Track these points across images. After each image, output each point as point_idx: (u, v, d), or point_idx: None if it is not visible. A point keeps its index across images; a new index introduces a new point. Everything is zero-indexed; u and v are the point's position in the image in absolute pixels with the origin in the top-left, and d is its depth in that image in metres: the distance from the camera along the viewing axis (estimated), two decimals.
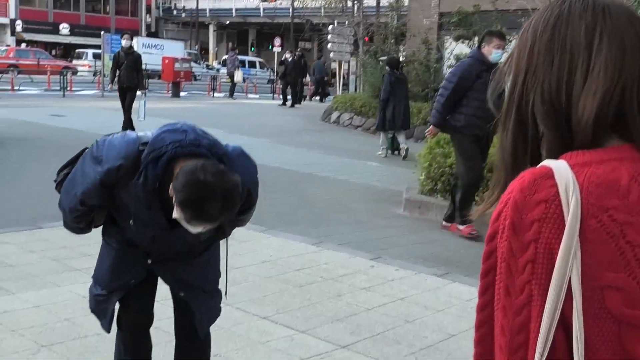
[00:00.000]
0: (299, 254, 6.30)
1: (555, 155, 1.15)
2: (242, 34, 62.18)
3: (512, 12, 16.57)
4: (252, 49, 59.61)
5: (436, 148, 8.94)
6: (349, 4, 26.52)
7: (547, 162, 1.12)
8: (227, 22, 59.34)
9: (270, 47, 48.91)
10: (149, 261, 2.97)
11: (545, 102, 1.15)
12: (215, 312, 3.16)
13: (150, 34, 55.10)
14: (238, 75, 29.79)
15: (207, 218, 2.40)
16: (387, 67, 14.23)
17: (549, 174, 1.09)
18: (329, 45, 25.86)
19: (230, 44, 43.29)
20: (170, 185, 2.45)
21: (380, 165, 12.56)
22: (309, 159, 12.97)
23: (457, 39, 17.76)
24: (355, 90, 26.25)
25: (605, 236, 1.06)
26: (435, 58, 18.97)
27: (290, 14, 45.10)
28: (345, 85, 29.26)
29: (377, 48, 21.61)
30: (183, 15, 59.52)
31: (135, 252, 2.96)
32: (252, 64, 47.17)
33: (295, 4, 36.43)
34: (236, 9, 56.43)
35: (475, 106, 7.22)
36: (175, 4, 61.29)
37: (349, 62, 27.83)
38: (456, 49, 18.06)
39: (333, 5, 27.79)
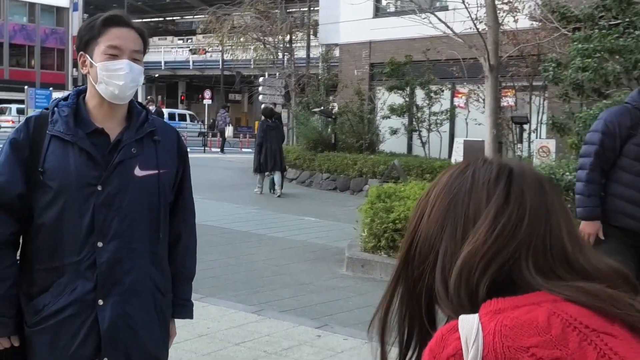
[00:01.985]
0: (239, 325, 5.82)
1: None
2: (172, 87, 61.67)
3: (443, 62, 16.70)
4: (182, 101, 59.19)
5: (377, 202, 8.63)
6: (280, 55, 26.43)
7: (462, 316, 1.07)
8: (157, 75, 58.75)
9: (200, 99, 48.59)
10: (100, 301, 2.31)
11: (443, 278, 1.11)
12: None
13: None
14: (229, 131, 31.34)
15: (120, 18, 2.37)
16: (262, 116, 16.49)
17: (455, 327, 1.04)
18: (260, 97, 25.66)
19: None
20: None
21: (318, 220, 12.18)
22: (244, 215, 12.51)
23: (389, 89, 17.76)
24: (288, 142, 26.01)
25: None
26: (368, 109, 18.90)
27: (220, 66, 44.89)
28: None
29: (309, 99, 21.48)
30: None
31: (74, 296, 2.29)
32: (182, 117, 46.56)
33: (225, 56, 36.22)
34: (165, 62, 55.95)
35: (627, 182, 4.51)
36: None
37: (280, 113, 27.64)
38: (389, 100, 18.07)
39: (264, 57, 27.66)
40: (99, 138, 2.34)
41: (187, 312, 2.65)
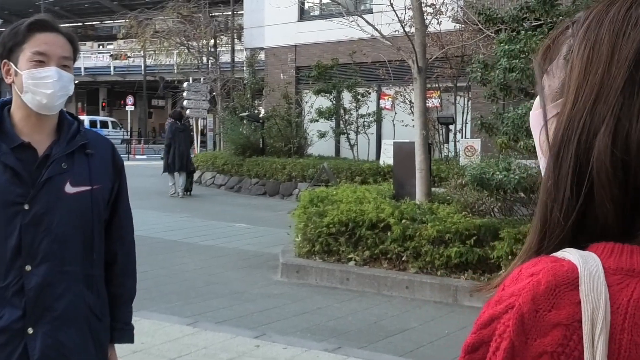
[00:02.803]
0: (174, 339, 5.63)
1: (606, 232, 0.75)
2: (92, 93, 60.19)
3: (369, 64, 16.79)
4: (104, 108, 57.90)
5: (310, 207, 8.56)
6: (204, 60, 26.10)
7: (574, 256, 0.73)
8: (76, 82, 57.35)
9: (122, 105, 47.55)
10: (29, 330, 2.13)
11: (616, 149, 0.72)
12: None
13: None
14: None
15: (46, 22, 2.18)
16: (171, 119, 17.30)
17: (575, 283, 0.70)
18: (185, 102, 25.28)
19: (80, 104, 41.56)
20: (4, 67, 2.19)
21: (249, 226, 12.02)
22: (173, 223, 12.24)
23: (316, 92, 17.73)
24: (215, 147, 25.70)
25: None
26: (296, 112, 18.83)
27: (143, 71, 44.07)
28: (203, 143, 28.71)
29: (236, 104, 21.26)
30: None
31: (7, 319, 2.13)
32: (104, 124, 45.54)
33: (148, 61, 35.55)
34: (85, 68, 54.58)
35: None
36: None
37: (205, 119, 27.32)
38: (316, 103, 18.04)
39: (188, 62, 27.25)
40: (26, 153, 2.16)
41: (127, 336, 2.46)
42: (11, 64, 2.18)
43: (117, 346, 5.26)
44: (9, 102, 2.25)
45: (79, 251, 2.21)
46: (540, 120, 0.83)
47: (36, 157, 2.17)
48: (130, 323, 2.48)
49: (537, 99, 0.86)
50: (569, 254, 0.74)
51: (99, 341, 2.31)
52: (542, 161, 0.84)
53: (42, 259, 2.14)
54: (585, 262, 0.72)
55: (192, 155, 17.54)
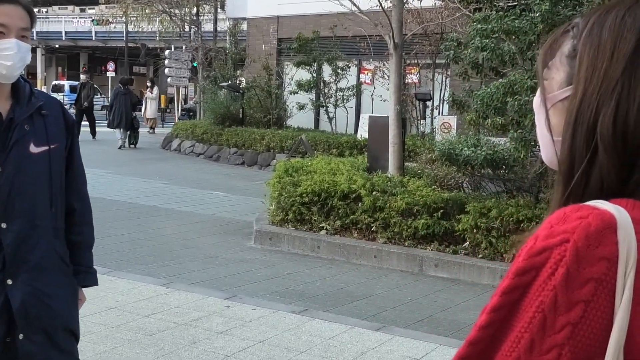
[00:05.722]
0: (147, 297, 5.87)
1: (609, 191, 0.97)
2: (73, 58, 59.69)
3: (350, 38, 16.90)
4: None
5: (285, 177, 8.79)
6: (186, 28, 26.06)
7: (609, 207, 0.93)
8: (57, 46, 56.76)
9: (103, 71, 47.27)
10: (9, 281, 2.31)
11: (617, 124, 0.95)
12: None
13: None
14: None
15: None
16: (119, 84, 21.25)
17: (614, 228, 0.91)
18: (167, 71, 25.30)
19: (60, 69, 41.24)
20: None
21: (226, 194, 12.25)
22: (151, 190, 12.43)
23: (297, 65, 17.86)
24: (196, 116, 25.77)
25: None
26: (276, 84, 18.96)
27: (125, 38, 43.78)
28: (184, 111, 28.72)
29: (217, 74, 21.33)
30: None
31: None
32: None
33: (130, 28, 35.38)
34: (66, 32, 54.07)
35: None
36: None
37: (186, 87, 27.34)
38: (296, 75, 18.19)
39: (170, 29, 27.19)
40: None
41: (92, 279, 2.66)
42: None
43: (92, 303, 5.49)
44: None
45: (46, 206, 2.40)
46: (542, 105, 1.06)
47: (1, 121, 2.31)
48: (92, 267, 2.67)
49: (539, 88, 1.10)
50: (604, 205, 0.93)
51: (71, 285, 2.54)
52: (545, 137, 1.07)
53: (16, 216, 2.32)
54: (619, 212, 0.92)
55: (135, 114, 20.64)
